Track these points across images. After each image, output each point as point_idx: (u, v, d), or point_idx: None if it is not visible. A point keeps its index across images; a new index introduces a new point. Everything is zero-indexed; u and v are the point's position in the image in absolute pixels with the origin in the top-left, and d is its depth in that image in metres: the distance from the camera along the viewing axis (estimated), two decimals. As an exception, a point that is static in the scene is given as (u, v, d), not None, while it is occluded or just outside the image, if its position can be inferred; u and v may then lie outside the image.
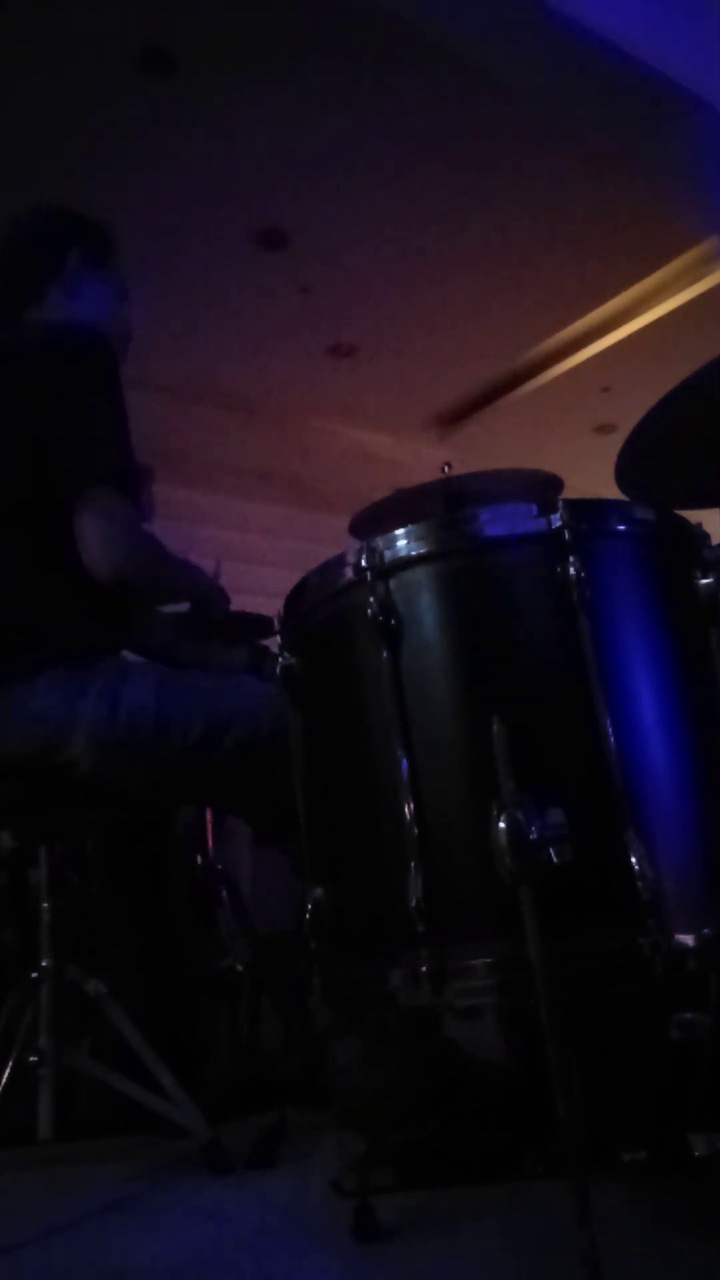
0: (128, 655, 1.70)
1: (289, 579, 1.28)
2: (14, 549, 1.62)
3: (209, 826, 2.65)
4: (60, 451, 1.57)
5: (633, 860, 0.98)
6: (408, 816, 1.06)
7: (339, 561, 1.19)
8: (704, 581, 1.15)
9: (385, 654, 1.10)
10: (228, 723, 1.54)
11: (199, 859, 2.59)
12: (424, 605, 1.12)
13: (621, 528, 1.16)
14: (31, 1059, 1.51)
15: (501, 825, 0.97)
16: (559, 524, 1.09)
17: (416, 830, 1.05)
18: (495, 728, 1.00)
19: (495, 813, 0.98)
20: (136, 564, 1.58)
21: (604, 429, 6.56)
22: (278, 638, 1.30)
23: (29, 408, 1.60)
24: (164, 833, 1.95)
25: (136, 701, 1.52)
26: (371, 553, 1.14)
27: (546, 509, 1.11)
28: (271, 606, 1.34)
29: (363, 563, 1.14)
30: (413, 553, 1.14)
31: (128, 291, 1.95)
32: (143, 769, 1.55)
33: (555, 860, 0.96)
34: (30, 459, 1.59)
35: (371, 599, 1.12)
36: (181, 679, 1.61)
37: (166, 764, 1.54)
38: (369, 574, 1.13)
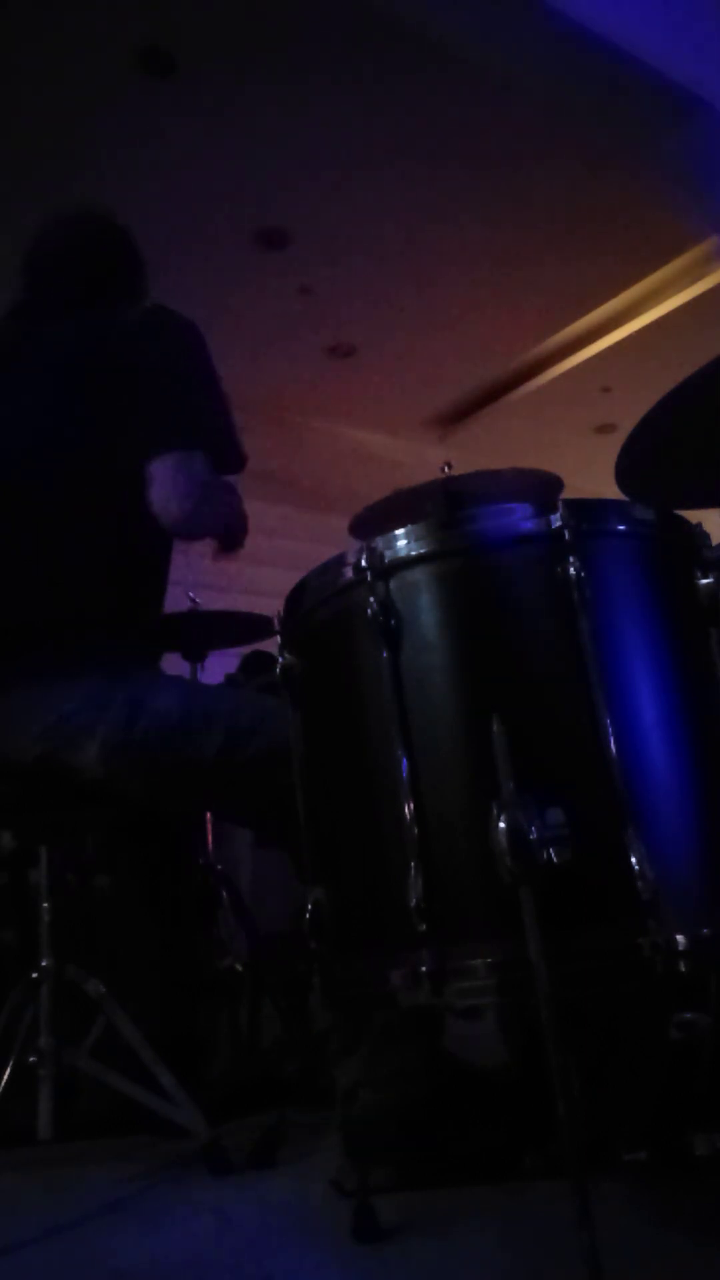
0: None
1: (289, 579, 1.28)
2: (66, 546, 1.60)
3: (209, 827, 2.65)
4: (161, 417, 1.59)
5: (633, 860, 0.98)
6: (408, 816, 1.06)
7: (339, 561, 1.19)
8: (704, 581, 1.15)
9: (385, 654, 1.10)
10: (248, 736, 1.50)
11: (199, 859, 2.58)
12: (424, 605, 1.12)
13: (621, 528, 1.16)
14: (31, 1059, 1.51)
15: (501, 825, 0.97)
16: (559, 524, 1.09)
17: (416, 830, 1.05)
18: (495, 728, 1.00)
19: (495, 813, 0.98)
20: (205, 519, 1.61)
21: (604, 429, 6.56)
22: (277, 638, 1.30)
23: (152, 378, 1.61)
24: (177, 831, 1.94)
25: (162, 711, 1.50)
26: (371, 553, 1.14)
27: (546, 509, 1.11)
28: (271, 606, 1.34)
29: (363, 563, 1.13)
30: (413, 553, 1.13)
31: None
32: (152, 780, 1.54)
33: (555, 860, 0.96)
34: (112, 432, 1.59)
35: (371, 599, 1.12)
36: (205, 691, 1.60)
37: (179, 777, 1.53)
38: (369, 574, 1.13)
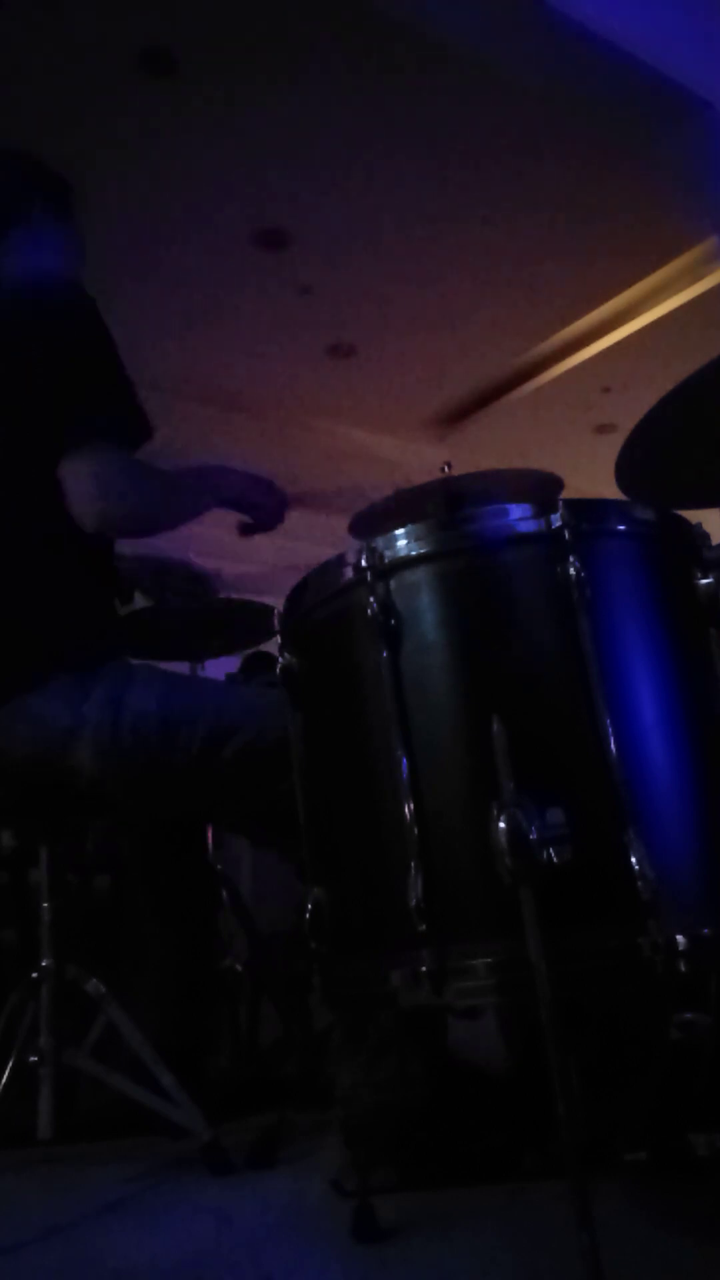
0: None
1: (289, 579, 1.28)
2: (23, 548, 1.57)
3: (209, 827, 2.65)
4: (59, 412, 1.53)
5: (633, 860, 0.98)
6: (408, 816, 1.06)
7: (339, 561, 1.19)
8: (704, 581, 1.15)
9: (385, 654, 1.10)
10: (232, 730, 1.49)
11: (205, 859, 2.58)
12: (424, 605, 1.12)
13: (621, 528, 1.16)
14: (31, 1059, 1.51)
15: (501, 825, 0.97)
16: (559, 524, 1.09)
17: (416, 830, 1.05)
18: (495, 728, 1.00)
19: (495, 813, 0.98)
20: (127, 509, 1.55)
21: (604, 429, 6.57)
22: (277, 638, 1.30)
23: (26, 370, 1.55)
24: (199, 831, 1.93)
25: (141, 709, 1.48)
26: (371, 553, 1.13)
27: (546, 509, 1.11)
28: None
29: (363, 563, 1.13)
30: (413, 553, 1.13)
31: (85, 249, 1.89)
32: (144, 782, 1.52)
33: (555, 860, 0.96)
34: (27, 426, 1.54)
35: (371, 599, 1.12)
36: (186, 683, 1.57)
37: (169, 776, 1.52)
38: (369, 574, 1.13)
